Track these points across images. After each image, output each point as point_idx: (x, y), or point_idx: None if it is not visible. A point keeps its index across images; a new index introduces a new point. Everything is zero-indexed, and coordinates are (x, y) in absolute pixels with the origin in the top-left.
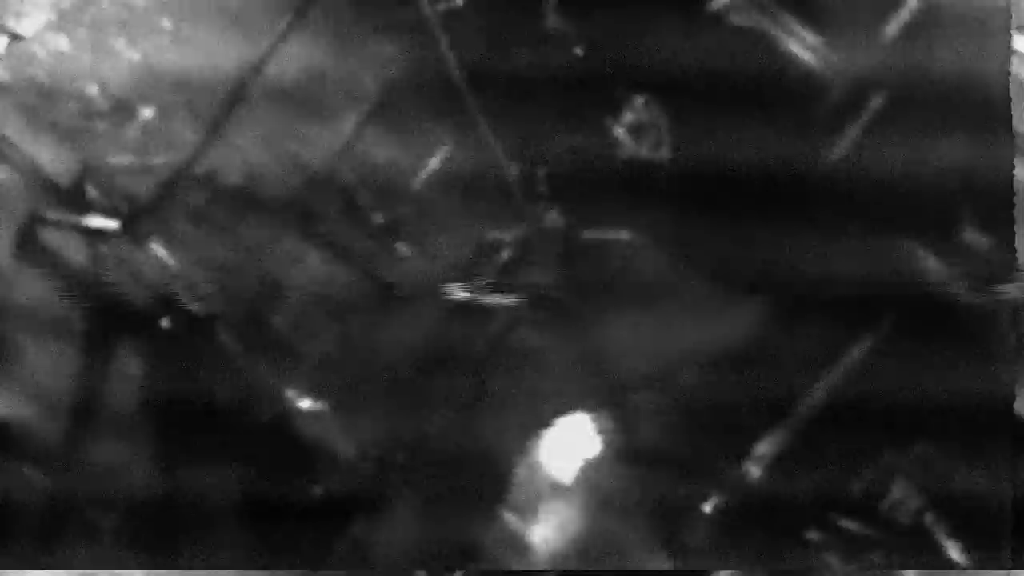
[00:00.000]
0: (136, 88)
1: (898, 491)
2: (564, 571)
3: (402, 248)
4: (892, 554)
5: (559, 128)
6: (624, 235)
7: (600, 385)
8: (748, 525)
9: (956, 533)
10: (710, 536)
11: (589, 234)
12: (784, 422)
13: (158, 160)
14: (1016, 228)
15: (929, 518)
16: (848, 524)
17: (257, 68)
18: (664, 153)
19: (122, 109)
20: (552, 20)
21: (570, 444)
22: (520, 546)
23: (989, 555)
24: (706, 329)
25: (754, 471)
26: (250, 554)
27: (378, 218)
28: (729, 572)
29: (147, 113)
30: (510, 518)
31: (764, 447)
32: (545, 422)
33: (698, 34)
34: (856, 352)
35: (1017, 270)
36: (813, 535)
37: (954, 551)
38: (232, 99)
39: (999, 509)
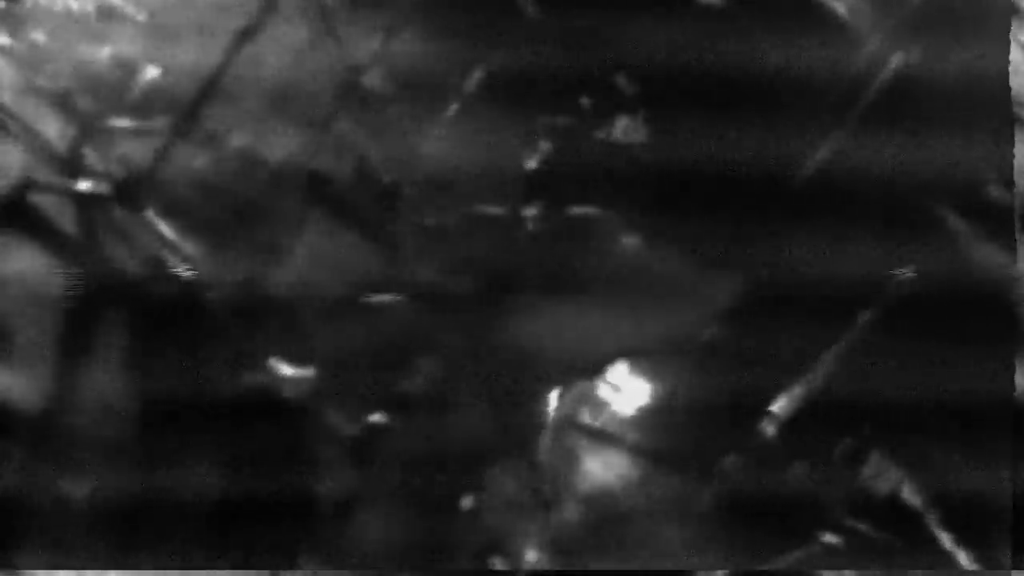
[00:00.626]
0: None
1: (874, 463)
2: (564, 571)
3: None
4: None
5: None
6: (607, 214)
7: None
8: None
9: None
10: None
11: (575, 211)
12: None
13: (159, 122)
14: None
15: (911, 496)
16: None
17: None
18: (640, 136)
19: (125, 69)
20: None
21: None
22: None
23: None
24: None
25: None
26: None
27: (387, 179)
28: (723, 572)
29: (152, 73)
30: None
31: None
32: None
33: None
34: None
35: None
36: None
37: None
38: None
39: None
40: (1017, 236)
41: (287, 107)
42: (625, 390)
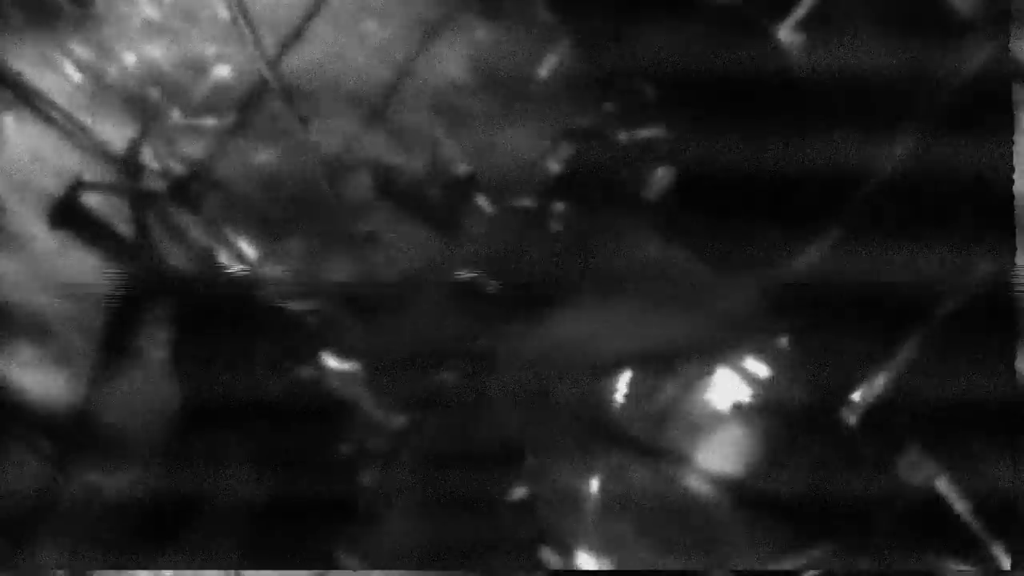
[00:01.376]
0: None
1: (913, 454)
2: (562, 571)
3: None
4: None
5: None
6: (660, 132)
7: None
8: None
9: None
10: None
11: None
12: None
13: (224, 120)
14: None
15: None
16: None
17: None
18: (659, 133)
19: (194, 68)
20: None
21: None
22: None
23: None
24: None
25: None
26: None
27: (462, 168)
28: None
29: (222, 72)
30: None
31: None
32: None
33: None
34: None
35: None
36: None
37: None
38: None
39: None
40: (1017, 236)
41: (363, 103)
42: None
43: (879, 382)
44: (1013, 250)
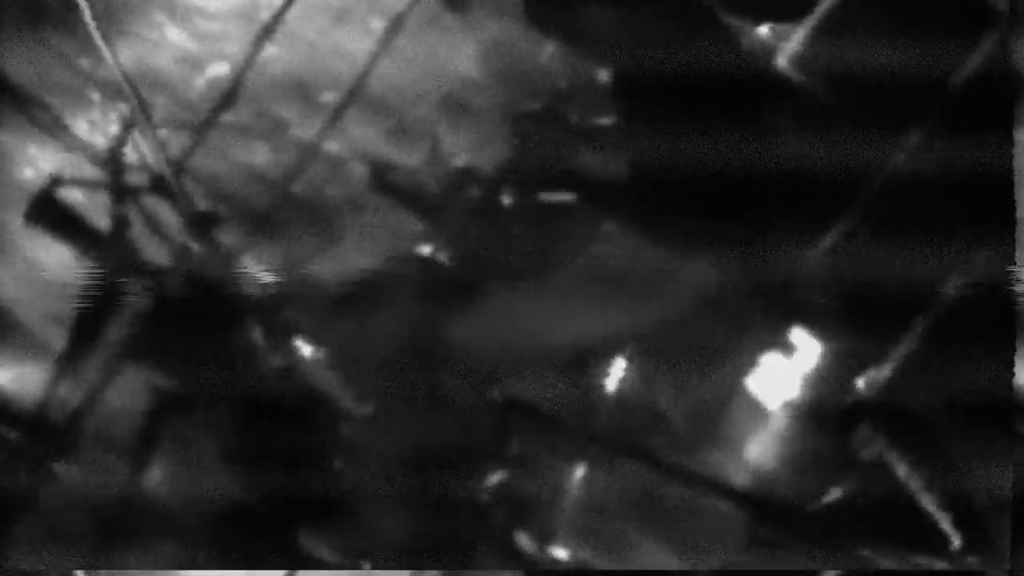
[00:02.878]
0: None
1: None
2: (562, 571)
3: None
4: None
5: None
6: (572, 198)
7: None
8: None
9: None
10: None
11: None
12: None
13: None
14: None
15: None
16: None
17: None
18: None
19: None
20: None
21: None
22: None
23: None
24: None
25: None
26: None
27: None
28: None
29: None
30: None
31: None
32: None
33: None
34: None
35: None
36: None
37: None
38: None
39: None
40: (1017, 236)
41: (363, 99)
42: None
43: (878, 378)
44: (1013, 250)
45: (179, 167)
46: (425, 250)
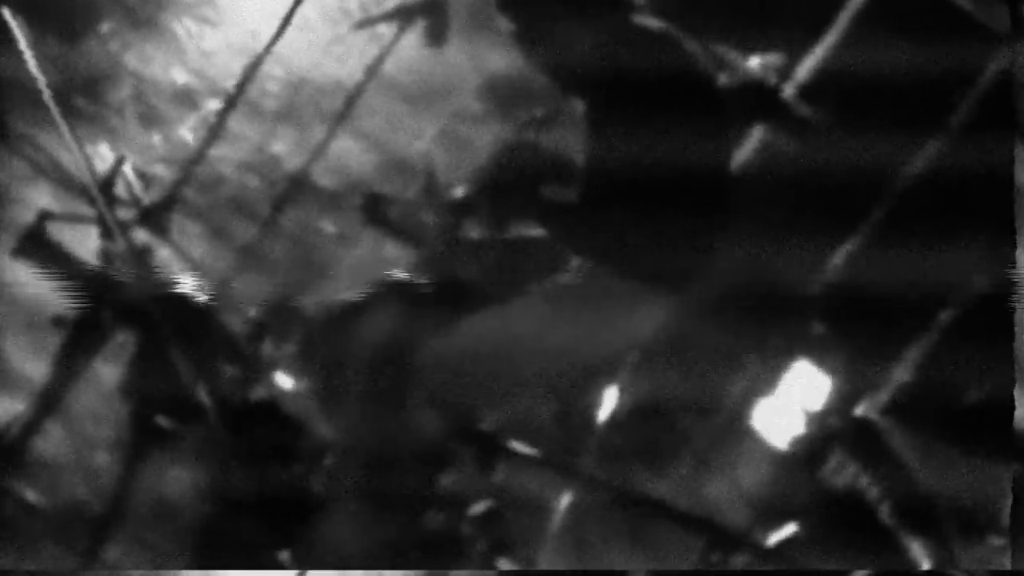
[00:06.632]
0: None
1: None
2: (562, 571)
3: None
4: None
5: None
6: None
7: None
8: None
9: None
10: None
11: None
12: None
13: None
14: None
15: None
16: None
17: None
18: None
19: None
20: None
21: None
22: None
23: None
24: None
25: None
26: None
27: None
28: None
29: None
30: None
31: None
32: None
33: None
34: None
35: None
36: None
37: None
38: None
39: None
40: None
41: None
42: None
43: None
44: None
45: (171, 200)
46: (402, 275)
